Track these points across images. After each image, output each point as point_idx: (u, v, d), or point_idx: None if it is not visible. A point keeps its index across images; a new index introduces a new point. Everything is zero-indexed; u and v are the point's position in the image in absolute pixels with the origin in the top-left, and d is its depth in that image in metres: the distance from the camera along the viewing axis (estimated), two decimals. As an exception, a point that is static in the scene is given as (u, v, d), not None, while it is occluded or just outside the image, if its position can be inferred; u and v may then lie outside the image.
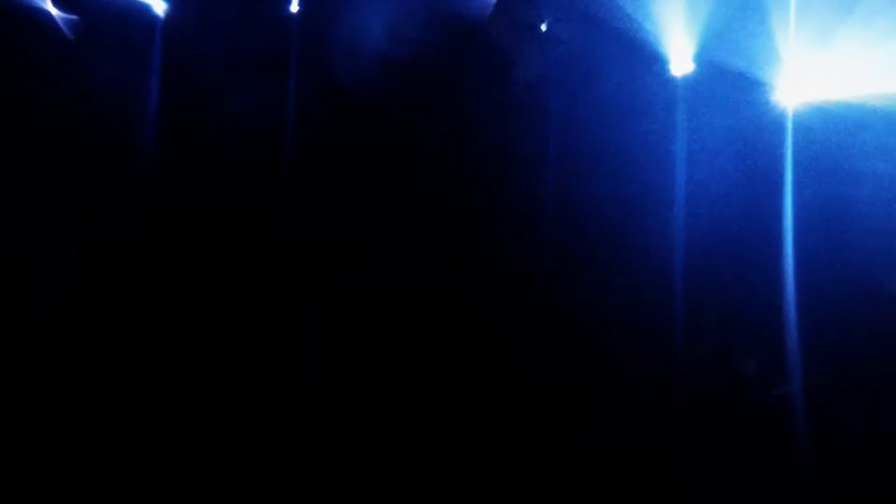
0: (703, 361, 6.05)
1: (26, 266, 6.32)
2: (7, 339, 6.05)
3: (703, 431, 5.80)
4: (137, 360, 6.14)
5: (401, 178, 6.54)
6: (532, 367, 6.10)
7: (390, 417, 5.99)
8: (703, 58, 6.40)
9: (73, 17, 6.55)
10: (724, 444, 5.76)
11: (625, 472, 5.73)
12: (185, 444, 5.87)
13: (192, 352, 6.20)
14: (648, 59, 6.47)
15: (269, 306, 6.34)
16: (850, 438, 5.60)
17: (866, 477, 5.51)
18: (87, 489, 5.66)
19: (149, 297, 6.37)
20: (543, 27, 6.66)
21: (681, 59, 6.42)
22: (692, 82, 6.46)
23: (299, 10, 6.73)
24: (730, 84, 6.35)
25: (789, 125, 6.17)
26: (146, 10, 6.67)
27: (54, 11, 6.48)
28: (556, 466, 5.78)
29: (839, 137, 6.12)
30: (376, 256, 6.42)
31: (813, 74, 6.14)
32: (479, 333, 6.22)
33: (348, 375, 6.12)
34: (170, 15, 6.70)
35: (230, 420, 5.99)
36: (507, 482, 5.73)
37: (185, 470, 5.77)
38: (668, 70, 6.46)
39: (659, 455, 5.76)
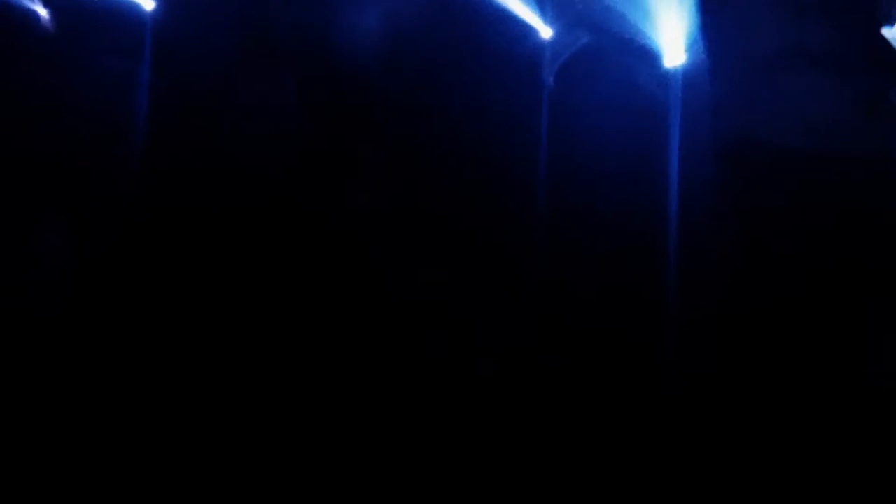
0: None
1: (18, 270, 6.33)
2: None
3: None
4: (132, 363, 6.17)
5: (400, 177, 6.58)
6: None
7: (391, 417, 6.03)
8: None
9: (63, 15, 6.53)
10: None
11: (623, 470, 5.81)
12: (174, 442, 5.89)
13: (188, 354, 6.23)
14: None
15: (269, 306, 6.38)
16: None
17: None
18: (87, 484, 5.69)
19: (143, 299, 6.39)
20: None
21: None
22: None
23: (297, 8, 6.73)
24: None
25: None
26: (139, 6, 6.66)
27: (43, 12, 6.45)
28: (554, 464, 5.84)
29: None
30: (374, 254, 6.47)
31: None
32: (479, 333, 6.28)
33: (355, 376, 6.17)
34: (165, 11, 6.68)
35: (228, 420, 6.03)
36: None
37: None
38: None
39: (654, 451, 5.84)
